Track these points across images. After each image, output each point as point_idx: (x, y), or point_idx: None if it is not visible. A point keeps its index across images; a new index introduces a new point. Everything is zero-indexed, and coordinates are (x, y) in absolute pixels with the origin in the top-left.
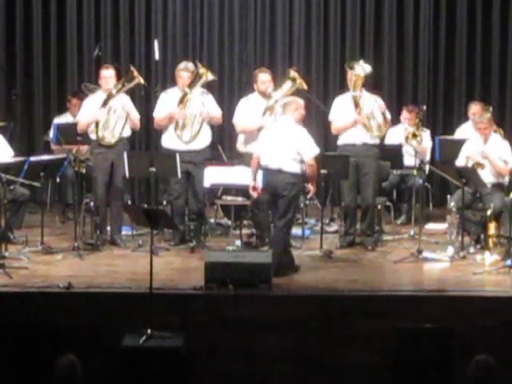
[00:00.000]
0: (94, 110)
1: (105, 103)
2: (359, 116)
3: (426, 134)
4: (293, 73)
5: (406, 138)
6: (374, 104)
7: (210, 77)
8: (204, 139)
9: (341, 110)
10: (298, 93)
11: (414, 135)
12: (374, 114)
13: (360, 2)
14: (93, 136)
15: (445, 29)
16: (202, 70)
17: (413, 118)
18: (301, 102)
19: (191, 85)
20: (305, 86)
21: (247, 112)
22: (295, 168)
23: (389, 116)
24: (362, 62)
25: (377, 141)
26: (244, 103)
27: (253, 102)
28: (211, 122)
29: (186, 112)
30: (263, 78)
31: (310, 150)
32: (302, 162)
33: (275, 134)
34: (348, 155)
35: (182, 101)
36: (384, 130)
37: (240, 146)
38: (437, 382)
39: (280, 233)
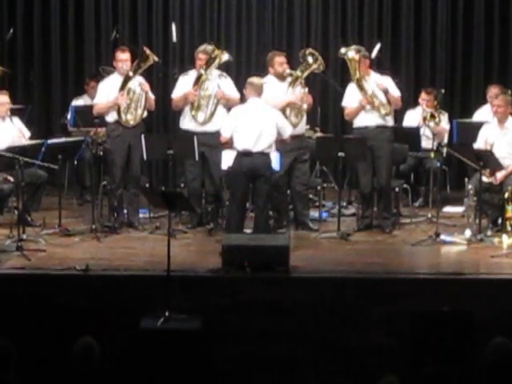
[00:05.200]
0: (110, 93)
1: (123, 86)
2: (363, 98)
3: (444, 117)
4: (312, 50)
5: (424, 119)
6: (373, 84)
7: (223, 58)
8: (219, 121)
9: (351, 96)
10: (315, 74)
11: (432, 116)
12: (375, 94)
13: None
14: (109, 119)
15: (462, 11)
16: (216, 52)
17: (431, 99)
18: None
19: (206, 66)
20: (323, 67)
21: (270, 94)
22: (272, 148)
23: (396, 93)
24: (353, 46)
25: (390, 123)
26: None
27: (272, 85)
28: (229, 105)
29: (201, 93)
30: (280, 59)
31: (289, 127)
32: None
33: (250, 116)
34: (365, 138)
35: (197, 82)
36: (389, 108)
37: None
38: (453, 366)
39: (264, 212)
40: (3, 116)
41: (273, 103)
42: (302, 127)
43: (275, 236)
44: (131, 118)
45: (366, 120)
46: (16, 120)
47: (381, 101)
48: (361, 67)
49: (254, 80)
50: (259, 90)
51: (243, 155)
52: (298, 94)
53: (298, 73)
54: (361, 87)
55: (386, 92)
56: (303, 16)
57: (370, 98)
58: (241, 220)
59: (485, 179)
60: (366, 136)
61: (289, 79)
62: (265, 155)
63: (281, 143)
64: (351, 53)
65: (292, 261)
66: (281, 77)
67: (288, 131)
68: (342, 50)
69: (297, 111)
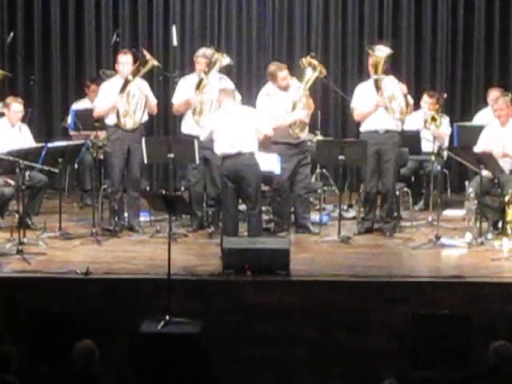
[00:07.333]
0: (110, 95)
1: (122, 90)
2: (381, 98)
3: (445, 121)
4: (309, 59)
5: (425, 122)
6: (395, 86)
7: (223, 62)
8: None
9: (363, 97)
10: (316, 79)
11: (433, 119)
12: (395, 96)
13: None
14: (108, 122)
15: (463, 14)
16: (216, 56)
17: (433, 102)
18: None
19: (207, 70)
20: (324, 72)
21: (273, 110)
22: (254, 147)
23: (411, 100)
24: (381, 46)
25: (398, 127)
26: (266, 100)
27: (276, 97)
28: None
29: (203, 97)
30: (283, 74)
31: (267, 122)
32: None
33: (228, 120)
34: (366, 141)
35: (198, 87)
36: (405, 113)
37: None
38: (453, 369)
39: (254, 214)
40: (14, 123)
41: (281, 121)
42: (305, 135)
43: (276, 239)
44: (130, 122)
45: (376, 124)
46: (25, 128)
47: (400, 104)
48: (382, 68)
49: (226, 87)
50: (232, 95)
51: (224, 158)
52: (304, 110)
53: (302, 85)
54: (378, 87)
55: (405, 95)
56: (304, 18)
57: (387, 99)
58: (236, 223)
59: (485, 174)
60: (375, 140)
61: (294, 86)
62: (243, 155)
63: (266, 140)
64: (379, 52)
65: (292, 264)
66: (284, 89)
67: (267, 126)
68: (376, 50)
69: (302, 126)
